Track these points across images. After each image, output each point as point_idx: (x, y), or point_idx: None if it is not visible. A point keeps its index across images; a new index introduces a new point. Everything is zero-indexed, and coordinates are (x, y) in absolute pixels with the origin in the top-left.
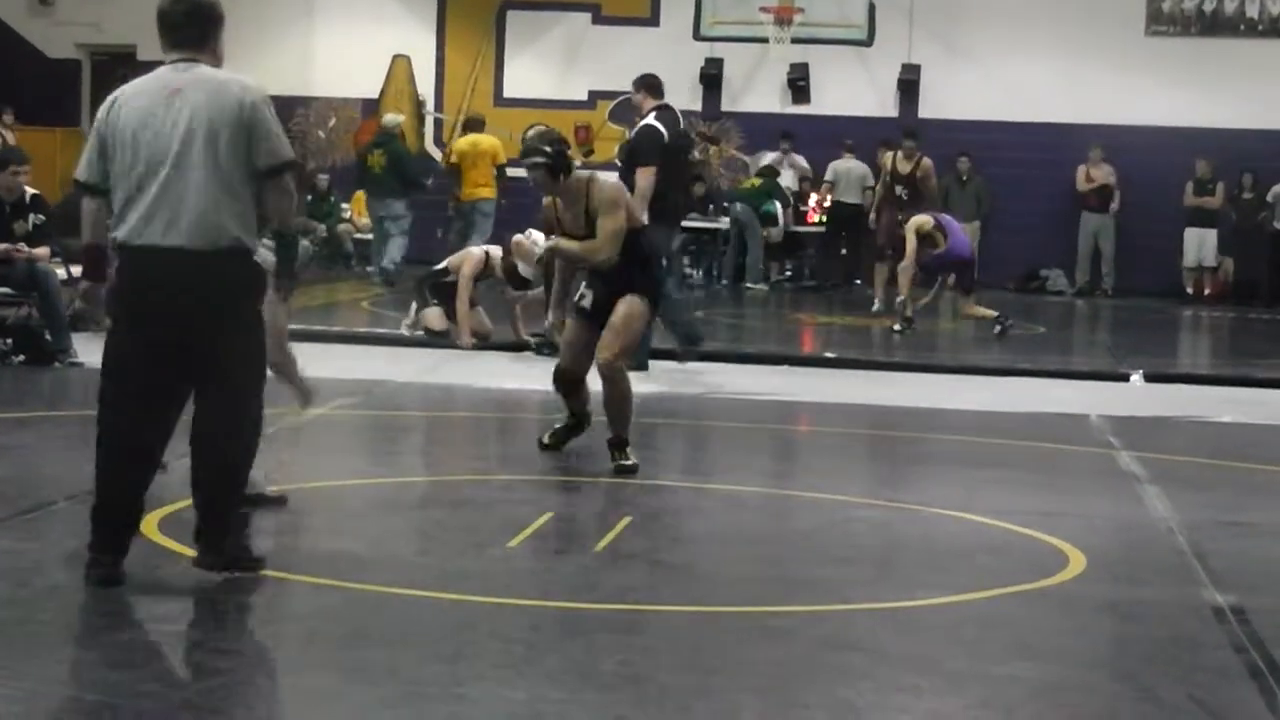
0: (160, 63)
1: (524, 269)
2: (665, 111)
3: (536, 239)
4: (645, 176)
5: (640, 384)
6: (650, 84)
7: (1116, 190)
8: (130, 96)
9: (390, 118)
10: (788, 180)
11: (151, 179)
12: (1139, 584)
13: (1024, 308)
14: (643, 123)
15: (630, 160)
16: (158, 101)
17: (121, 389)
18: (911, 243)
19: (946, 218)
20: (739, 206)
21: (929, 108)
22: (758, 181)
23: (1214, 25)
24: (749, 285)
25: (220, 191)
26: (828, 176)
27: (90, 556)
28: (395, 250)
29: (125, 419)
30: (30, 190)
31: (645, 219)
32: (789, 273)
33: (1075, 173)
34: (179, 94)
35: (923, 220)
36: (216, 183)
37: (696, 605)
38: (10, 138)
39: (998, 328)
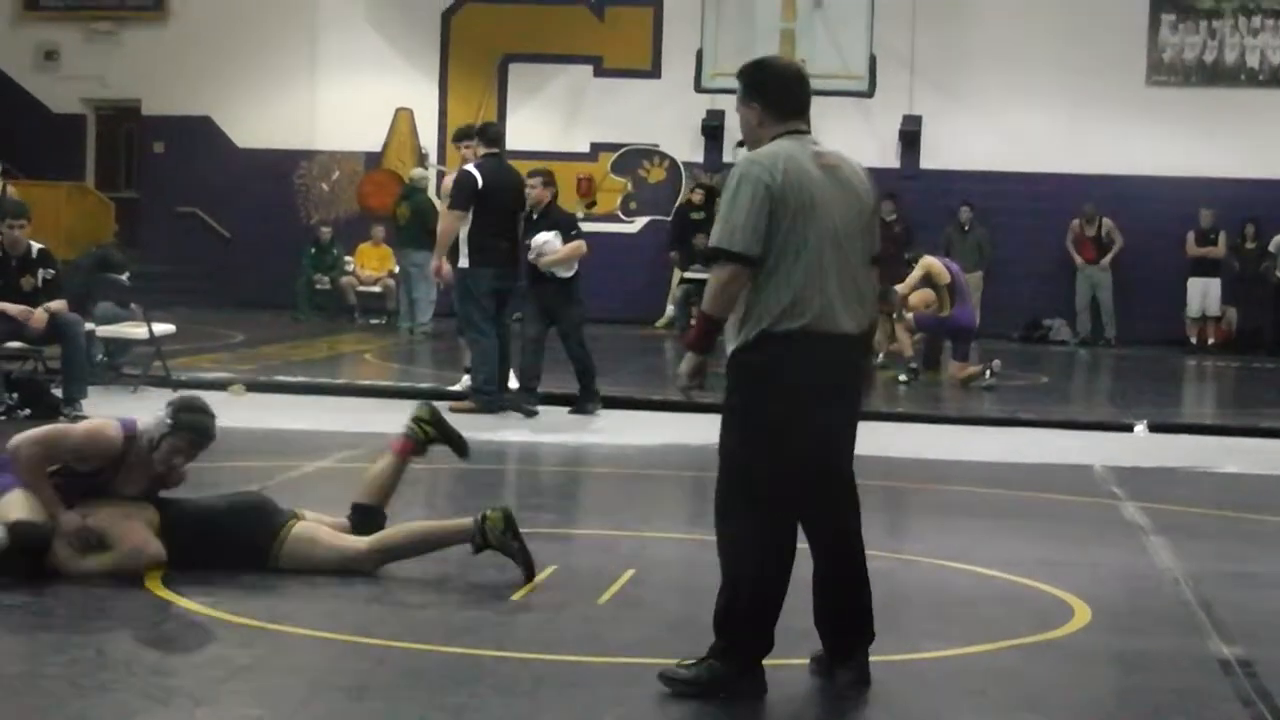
0: (181, 117)
1: None
2: (491, 159)
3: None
4: (446, 218)
5: (635, 435)
6: (484, 134)
7: (1116, 243)
8: (786, 159)
9: (419, 171)
10: None
11: (829, 258)
12: (1145, 635)
13: (1027, 358)
14: (462, 167)
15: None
16: (818, 174)
17: (786, 487)
18: (915, 275)
19: (961, 279)
20: None
21: (930, 158)
22: None
23: (1214, 75)
24: None
25: (869, 276)
26: None
27: (735, 670)
28: (423, 312)
29: (791, 515)
30: (36, 245)
31: (443, 259)
32: None
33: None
34: (836, 170)
35: (939, 269)
36: (867, 266)
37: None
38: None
39: (987, 373)
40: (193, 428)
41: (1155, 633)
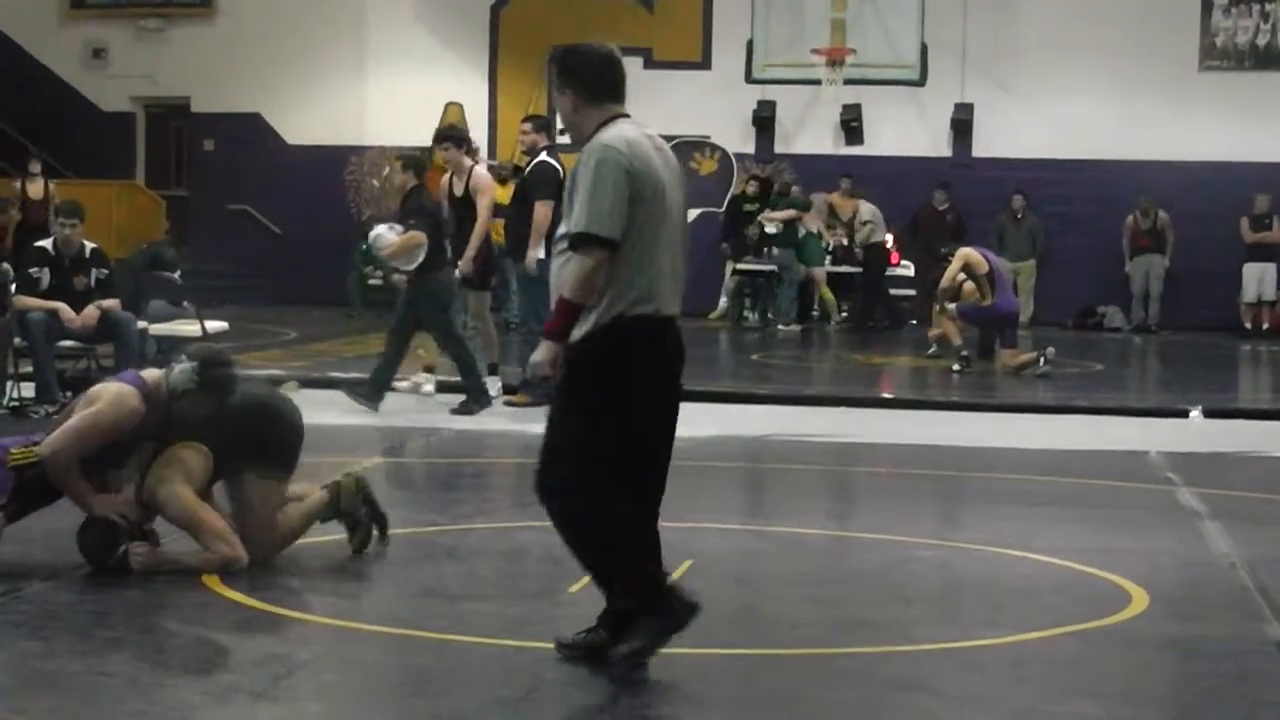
0: (239, 117)
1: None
2: (553, 151)
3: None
4: (540, 209)
5: (689, 427)
6: (547, 125)
7: (1169, 239)
8: (637, 144)
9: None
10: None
11: (671, 242)
12: (1202, 621)
13: (1081, 345)
14: (539, 160)
15: (527, 195)
16: (658, 158)
17: (619, 469)
18: (954, 268)
19: (1000, 268)
20: (775, 250)
21: (982, 146)
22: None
23: (1268, 59)
24: (779, 327)
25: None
26: (865, 217)
27: (667, 608)
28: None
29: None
30: (90, 244)
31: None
32: (844, 314)
33: (1128, 214)
34: (663, 151)
35: (977, 259)
36: (688, 247)
37: (759, 648)
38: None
39: (1042, 360)
40: (219, 384)
41: (1212, 618)
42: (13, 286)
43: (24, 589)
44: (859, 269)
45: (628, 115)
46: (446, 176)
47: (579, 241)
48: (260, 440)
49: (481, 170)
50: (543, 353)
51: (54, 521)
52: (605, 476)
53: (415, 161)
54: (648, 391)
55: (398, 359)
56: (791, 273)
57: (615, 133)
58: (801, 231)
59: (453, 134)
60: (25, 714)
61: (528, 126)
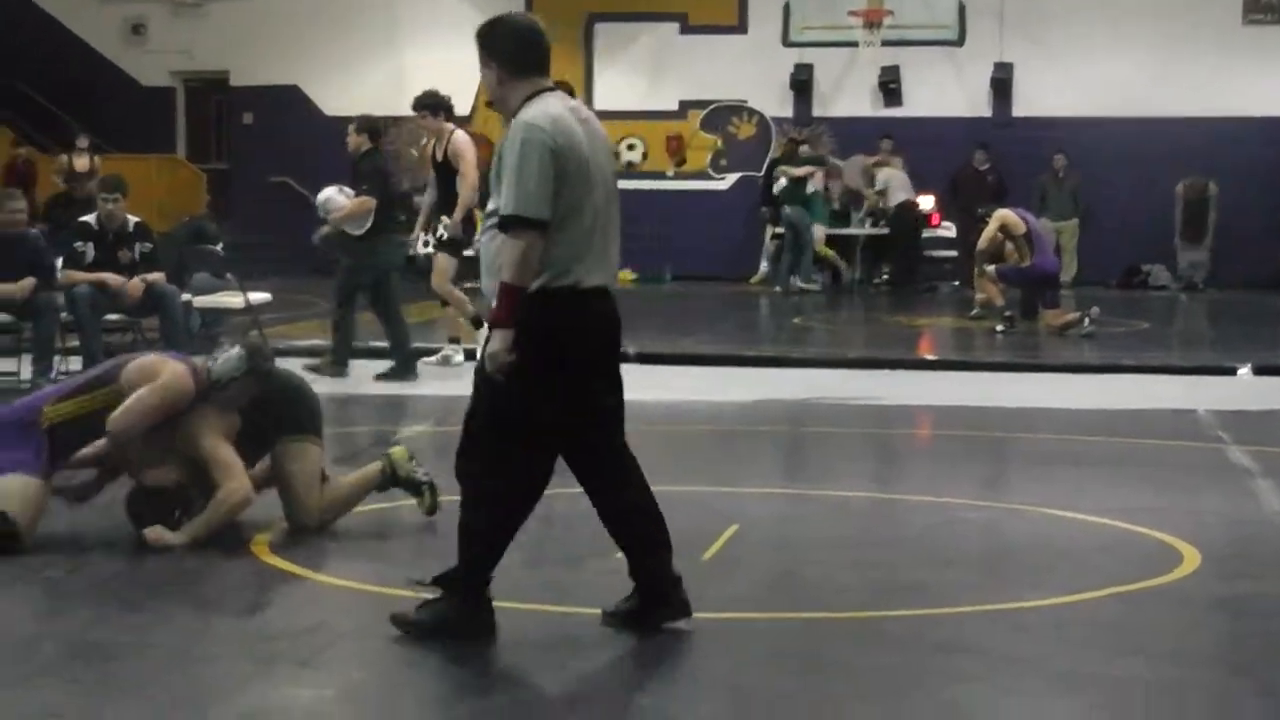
0: (263, 88)
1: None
2: None
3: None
4: None
5: (731, 391)
6: (570, 93)
7: (1214, 214)
8: (560, 120)
9: None
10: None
11: (600, 216)
12: (1254, 579)
13: (1126, 304)
14: None
15: None
16: (581, 131)
17: (547, 448)
18: (991, 229)
19: (1037, 228)
20: (788, 209)
21: (1022, 106)
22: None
23: None
24: (802, 285)
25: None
26: (881, 182)
27: (473, 612)
28: None
29: (546, 472)
30: (134, 219)
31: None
32: (886, 275)
33: (1171, 170)
34: (589, 123)
35: (1014, 220)
36: (618, 216)
37: (804, 612)
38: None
39: (1086, 320)
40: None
41: (1265, 576)
42: (59, 262)
43: (76, 560)
44: (886, 231)
45: (553, 88)
46: (430, 143)
47: (509, 224)
48: (286, 408)
49: (460, 135)
50: (498, 342)
51: (105, 494)
52: (536, 451)
53: (370, 123)
54: (574, 363)
55: (399, 324)
56: (807, 232)
57: (539, 109)
58: (810, 188)
59: (429, 101)
60: (78, 683)
61: (425, 112)
